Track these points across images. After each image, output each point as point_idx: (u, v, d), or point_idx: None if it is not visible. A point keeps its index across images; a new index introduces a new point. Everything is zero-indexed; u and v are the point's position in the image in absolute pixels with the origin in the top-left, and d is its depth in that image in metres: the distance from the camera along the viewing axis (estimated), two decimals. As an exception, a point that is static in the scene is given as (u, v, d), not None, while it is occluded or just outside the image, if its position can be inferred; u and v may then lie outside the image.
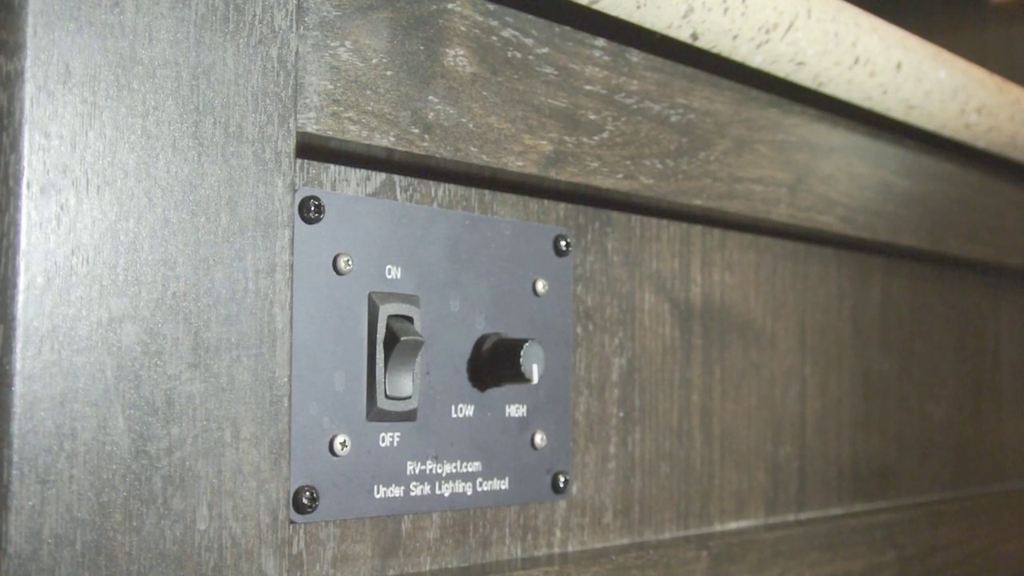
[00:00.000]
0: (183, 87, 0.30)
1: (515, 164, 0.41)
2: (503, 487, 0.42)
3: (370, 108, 0.36)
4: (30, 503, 0.27)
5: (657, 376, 0.50)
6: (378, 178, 0.39)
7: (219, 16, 0.31)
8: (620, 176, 0.45)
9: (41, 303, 0.27)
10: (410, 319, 0.38)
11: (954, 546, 0.68)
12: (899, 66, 0.57)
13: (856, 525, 0.60)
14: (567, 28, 0.43)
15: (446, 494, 0.40)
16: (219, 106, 0.31)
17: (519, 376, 0.40)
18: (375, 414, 0.37)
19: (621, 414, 0.48)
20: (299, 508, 0.35)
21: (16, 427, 0.27)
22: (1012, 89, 0.69)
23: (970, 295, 0.76)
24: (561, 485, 0.44)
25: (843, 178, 0.58)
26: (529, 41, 0.42)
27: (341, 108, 0.35)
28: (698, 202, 0.49)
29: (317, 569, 0.36)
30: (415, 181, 0.40)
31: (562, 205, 0.45)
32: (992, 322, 0.78)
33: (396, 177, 0.39)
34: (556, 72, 0.43)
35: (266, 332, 0.32)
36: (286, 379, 0.33)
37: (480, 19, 0.40)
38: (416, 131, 0.38)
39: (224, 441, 0.31)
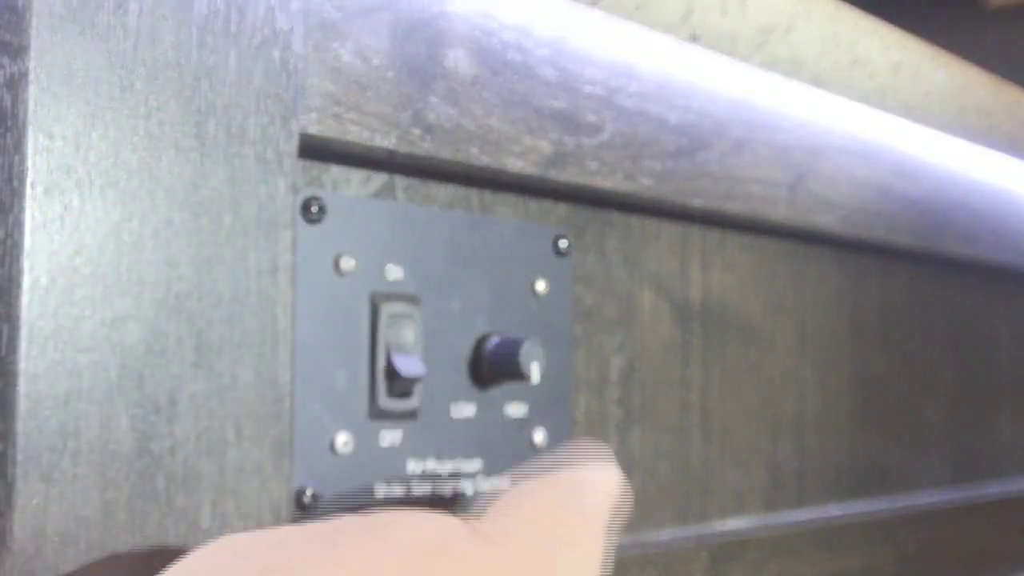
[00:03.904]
0: (186, 89, 0.31)
1: (515, 165, 0.41)
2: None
3: (371, 109, 0.36)
4: (34, 501, 0.27)
5: (656, 375, 0.50)
6: (379, 179, 0.39)
7: (221, 18, 0.31)
8: (620, 177, 0.45)
9: (45, 303, 0.28)
10: (411, 318, 0.38)
11: (952, 544, 0.69)
12: (898, 67, 0.57)
13: (854, 523, 0.60)
14: (567, 29, 0.43)
15: (447, 493, 0.40)
16: (221, 107, 0.31)
17: (519, 375, 0.40)
18: (376, 413, 0.38)
19: (621, 413, 0.48)
20: (301, 507, 0.35)
21: (20, 426, 0.27)
22: (1010, 90, 0.69)
23: (968, 295, 0.76)
24: (561, 484, 0.44)
25: (842, 179, 0.59)
26: (529, 42, 0.42)
27: (342, 109, 0.35)
28: (697, 202, 0.49)
29: (318, 567, 0.36)
30: (416, 182, 0.40)
31: (562, 205, 0.46)
32: (990, 322, 0.78)
33: (397, 178, 0.40)
34: (556, 73, 0.43)
35: (268, 332, 0.32)
36: (288, 379, 0.33)
37: (480, 21, 0.40)
38: (417, 132, 0.38)
39: (227, 440, 0.31)
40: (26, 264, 0.27)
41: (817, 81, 0.54)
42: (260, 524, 0.32)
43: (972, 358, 0.76)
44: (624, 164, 0.46)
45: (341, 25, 0.35)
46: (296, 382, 0.35)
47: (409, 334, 0.38)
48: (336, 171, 0.38)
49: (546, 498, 0.28)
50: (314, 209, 0.36)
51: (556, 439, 0.44)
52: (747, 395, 0.55)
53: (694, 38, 0.47)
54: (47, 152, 0.28)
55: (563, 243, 0.45)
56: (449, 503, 0.40)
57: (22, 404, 0.27)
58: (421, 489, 0.39)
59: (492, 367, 0.41)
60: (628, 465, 0.48)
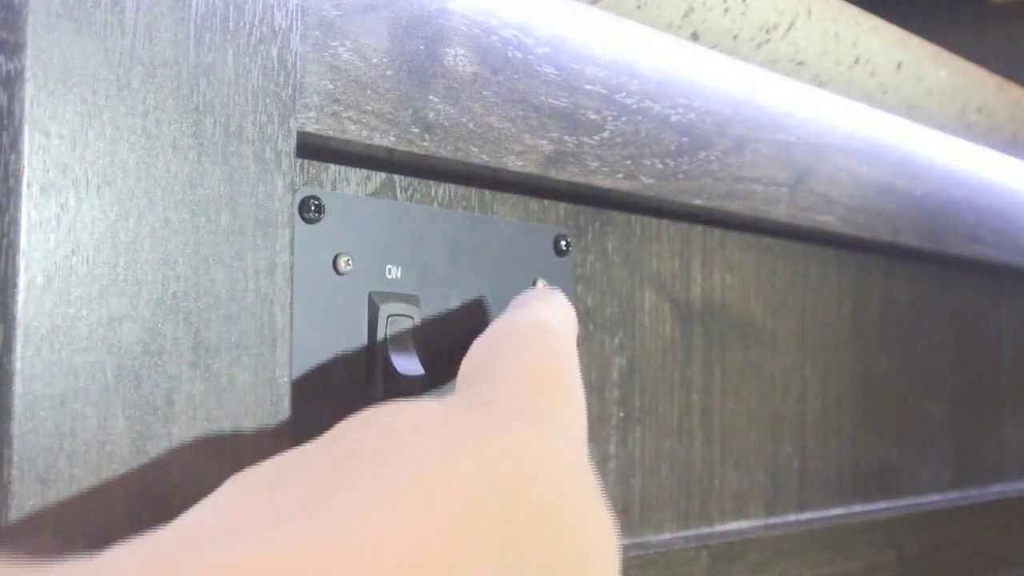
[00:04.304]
0: (183, 87, 0.30)
1: (515, 164, 0.41)
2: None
3: (370, 108, 0.36)
4: (30, 503, 0.27)
5: (657, 376, 0.50)
6: (378, 178, 0.39)
7: (219, 16, 0.31)
8: (620, 176, 0.45)
9: (41, 303, 0.27)
10: (410, 318, 0.38)
11: (954, 546, 0.68)
12: (899, 66, 0.57)
13: (856, 525, 0.60)
14: (567, 27, 0.43)
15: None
16: (219, 106, 0.31)
17: (519, 376, 0.40)
18: (375, 414, 0.37)
19: (621, 414, 0.48)
20: (299, 508, 0.35)
21: (16, 427, 0.27)
22: (1012, 89, 0.69)
23: (970, 295, 0.76)
24: (561, 485, 0.44)
25: (843, 178, 0.58)
26: (529, 40, 0.42)
27: (341, 108, 0.35)
28: (698, 202, 0.49)
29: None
30: (415, 181, 0.40)
31: (562, 205, 0.46)
32: (992, 322, 0.78)
33: (396, 177, 0.39)
34: (556, 71, 0.43)
35: (266, 332, 0.32)
36: (286, 379, 0.33)
37: (480, 18, 0.40)
38: (416, 131, 0.38)
39: (225, 441, 0.31)
40: (22, 263, 0.27)
41: (818, 80, 0.54)
42: (258, 525, 0.32)
43: (974, 358, 0.76)
44: (625, 163, 0.45)
45: (340, 23, 0.35)
46: (294, 382, 0.35)
47: (408, 334, 0.38)
48: (335, 170, 0.38)
49: (515, 353, 0.27)
50: (312, 208, 0.36)
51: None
52: (748, 396, 0.55)
53: (695, 36, 0.46)
54: (43, 151, 0.28)
55: (563, 243, 0.44)
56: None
57: (18, 405, 0.27)
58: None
59: (492, 367, 0.41)
60: (629, 466, 0.48)
